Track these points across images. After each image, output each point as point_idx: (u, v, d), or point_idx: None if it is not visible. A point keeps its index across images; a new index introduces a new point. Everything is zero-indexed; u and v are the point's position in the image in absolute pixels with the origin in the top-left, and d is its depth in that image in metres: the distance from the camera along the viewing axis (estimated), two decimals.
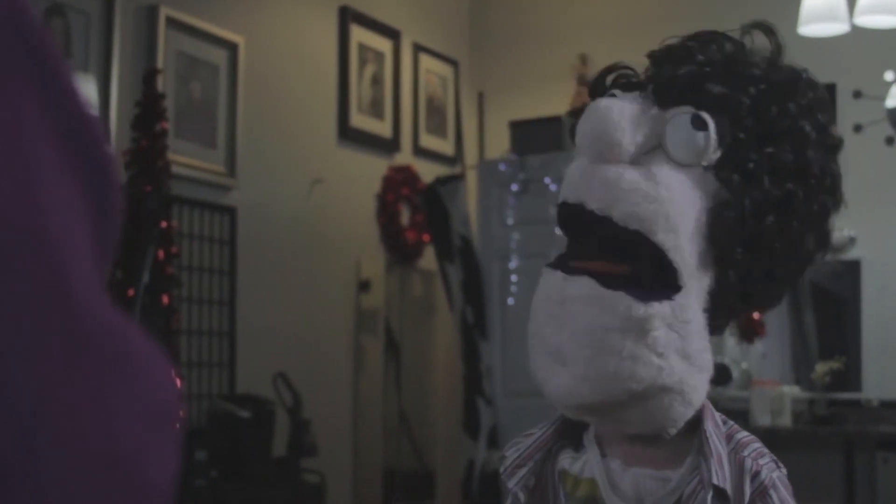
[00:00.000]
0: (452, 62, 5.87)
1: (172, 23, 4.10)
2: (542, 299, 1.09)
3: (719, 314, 1.10)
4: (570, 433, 1.17)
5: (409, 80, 5.51)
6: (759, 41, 1.14)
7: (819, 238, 1.11)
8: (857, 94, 4.45)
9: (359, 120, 5.10)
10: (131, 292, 3.27)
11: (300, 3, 4.85)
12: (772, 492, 1.07)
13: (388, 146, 5.31)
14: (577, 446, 1.16)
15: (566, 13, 5.74)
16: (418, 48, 5.59)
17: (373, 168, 5.18)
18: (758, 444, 1.12)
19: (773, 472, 1.09)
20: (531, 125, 4.89)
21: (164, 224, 3.54)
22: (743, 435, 1.12)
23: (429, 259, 5.23)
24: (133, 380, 0.52)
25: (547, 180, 4.66)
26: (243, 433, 3.81)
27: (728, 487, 1.06)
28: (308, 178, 4.76)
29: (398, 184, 5.25)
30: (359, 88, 5.13)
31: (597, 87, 1.16)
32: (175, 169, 3.79)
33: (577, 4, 5.74)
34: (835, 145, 1.12)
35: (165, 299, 3.54)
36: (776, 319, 5.23)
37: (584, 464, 1.14)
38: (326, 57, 4.98)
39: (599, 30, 5.57)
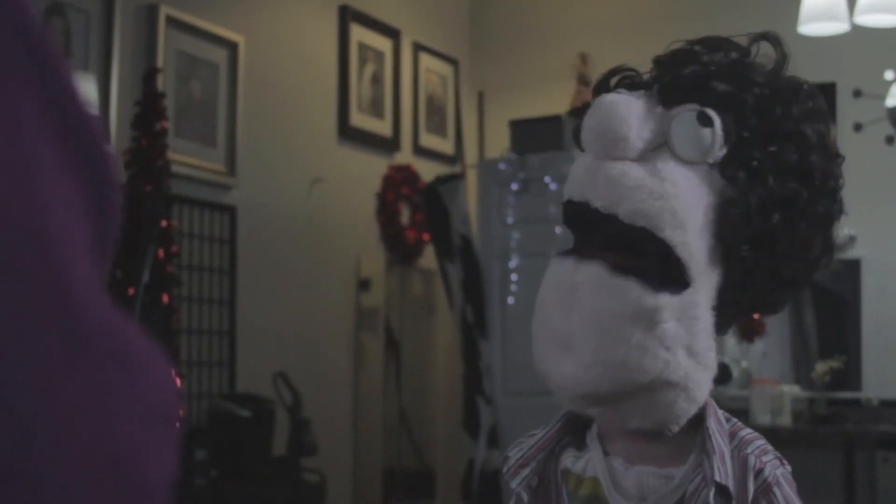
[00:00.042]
0: (452, 61, 5.87)
1: (172, 22, 4.10)
2: (550, 286, 1.09)
3: (726, 313, 1.10)
4: (573, 433, 1.17)
5: (409, 79, 5.51)
6: (765, 51, 1.14)
7: (824, 243, 1.11)
8: (857, 93, 4.45)
9: (359, 119, 5.10)
10: (131, 291, 3.27)
11: (300, 3, 4.85)
12: (775, 489, 1.07)
13: (388, 145, 5.31)
14: (580, 446, 1.16)
15: (566, 12, 5.74)
16: (418, 47, 5.59)
17: (373, 167, 5.18)
18: (761, 442, 1.11)
19: (777, 469, 1.08)
20: (531, 124, 4.89)
21: (164, 223, 3.54)
22: (746, 432, 1.12)
23: (429, 258, 5.23)
24: (133, 379, 0.52)
25: (547, 179, 4.66)
26: (243, 432, 3.81)
27: (730, 484, 1.05)
28: (308, 177, 4.76)
29: (398, 183, 5.25)
30: (359, 87, 5.13)
31: (601, 89, 1.16)
32: (175, 168, 3.80)
33: (578, 4, 5.74)
34: (834, 155, 1.13)
35: (165, 298, 3.54)
36: (776, 319, 5.24)
37: (586, 463, 1.14)
38: (326, 56, 4.98)
39: (600, 29, 5.57)
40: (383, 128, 5.28)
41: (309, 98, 4.85)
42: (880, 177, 4.75)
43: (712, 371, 1.08)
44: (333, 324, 4.85)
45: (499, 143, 5.44)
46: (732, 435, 1.11)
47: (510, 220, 4.78)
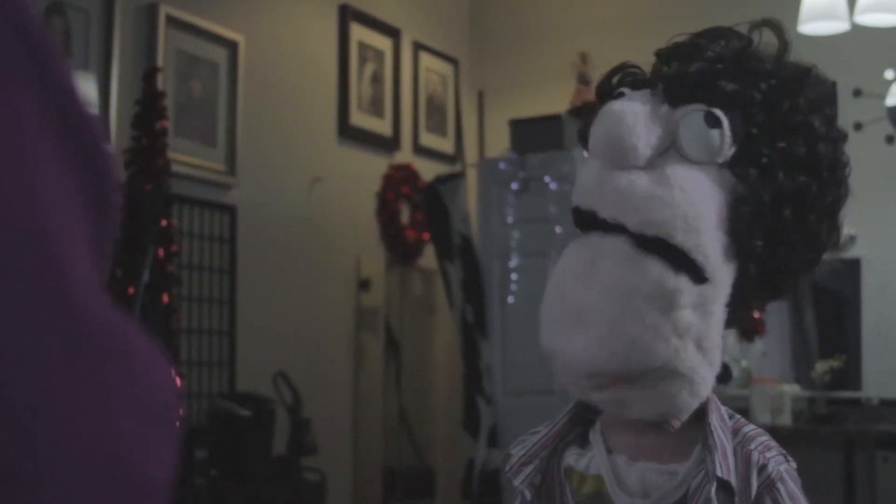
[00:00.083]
0: (452, 60, 5.87)
1: (172, 21, 4.10)
2: (569, 259, 1.09)
3: (739, 307, 1.10)
4: (576, 430, 1.17)
5: (409, 78, 5.51)
6: (766, 38, 1.14)
7: (831, 228, 1.11)
8: (858, 93, 4.45)
9: (359, 118, 5.10)
10: (131, 291, 3.27)
11: (300, 2, 4.85)
12: (779, 485, 1.07)
13: (388, 144, 5.31)
14: (584, 443, 1.16)
15: (566, 12, 5.74)
16: (418, 46, 5.59)
17: (373, 166, 5.18)
18: (765, 438, 1.11)
19: (781, 465, 1.08)
20: (531, 123, 4.89)
21: (164, 222, 3.54)
22: (750, 428, 1.12)
23: (429, 258, 5.23)
24: (132, 379, 0.52)
25: (547, 179, 4.66)
26: (243, 432, 3.81)
27: (732, 479, 1.05)
28: (308, 176, 4.76)
29: (398, 182, 5.25)
30: (359, 87, 5.13)
31: (604, 88, 1.15)
32: (175, 167, 3.80)
33: (578, 3, 5.74)
34: (840, 138, 1.13)
35: (165, 298, 3.54)
36: (776, 318, 5.24)
37: (589, 460, 1.14)
38: (326, 55, 4.98)
39: (600, 28, 5.57)
40: (383, 127, 5.28)
41: (309, 97, 4.85)
42: (880, 176, 4.75)
43: (717, 369, 1.08)
44: (333, 323, 4.85)
45: (499, 142, 5.44)
46: (736, 431, 1.10)
47: (510, 220, 4.78)
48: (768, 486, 1.07)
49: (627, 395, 1.06)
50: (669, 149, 1.07)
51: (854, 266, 5.00)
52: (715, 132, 1.05)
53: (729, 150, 1.06)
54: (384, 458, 5.08)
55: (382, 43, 5.32)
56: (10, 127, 0.50)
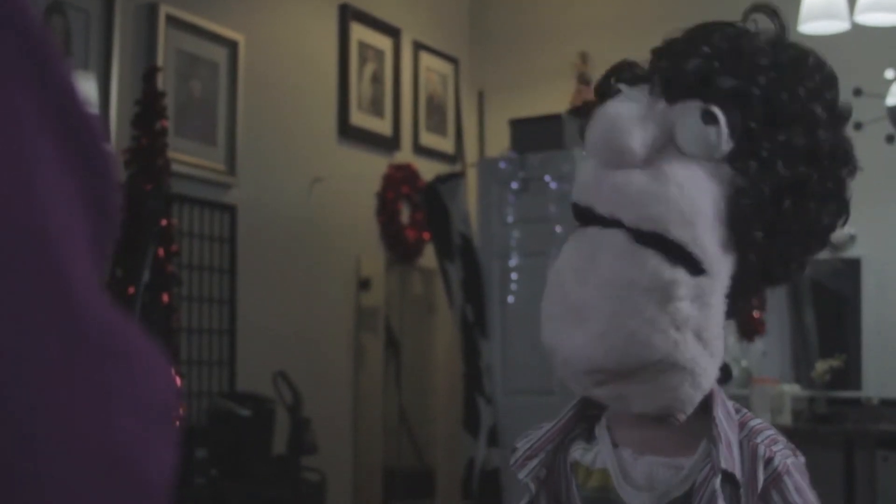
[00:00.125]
0: (453, 60, 5.87)
1: (172, 21, 4.10)
2: (569, 254, 1.09)
3: (739, 297, 1.10)
4: (582, 425, 1.17)
5: (409, 78, 5.51)
6: (763, 25, 1.14)
7: (838, 211, 1.11)
8: (858, 92, 4.45)
9: (359, 118, 5.10)
10: (131, 290, 3.27)
11: (300, 2, 4.85)
12: (786, 478, 1.06)
13: (389, 144, 5.31)
14: (590, 438, 1.16)
15: (566, 11, 5.74)
16: (418, 46, 5.59)
17: (373, 166, 5.18)
18: (771, 431, 1.11)
19: (788, 459, 1.08)
20: (531, 123, 4.89)
21: (164, 222, 3.54)
22: (757, 422, 1.12)
23: (429, 257, 5.23)
24: (132, 378, 0.52)
25: (547, 178, 4.65)
26: (243, 431, 3.81)
27: (737, 472, 1.05)
28: (308, 176, 4.76)
29: (398, 182, 5.25)
30: (359, 86, 5.13)
31: (603, 87, 1.15)
32: (175, 167, 3.79)
33: (578, 3, 5.74)
34: (844, 117, 1.12)
35: (165, 297, 3.54)
36: (776, 318, 5.24)
37: (595, 455, 1.14)
38: (326, 55, 4.98)
39: (600, 28, 5.57)
40: (383, 127, 5.28)
41: (309, 97, 4.85)
42: (880, 176, 4.75)
43: (719, 359, 1.08)
44: (333, 323, 4.85)
45: (499, 142, 5.44)
46: (742, 425, 1.10)
47: (510, 219, 4.77)
48: (775, 479, 1.06)
49: (628, 390, 1.06)
50: (667, 144, 1.07)
51: (854, 266, 5.00)
52: (712, 129, 1.05)
53: (726, 146, 1.06)
54: (384, 457, 5.08)
55: (382, 42, 5.32)
56: (11, 127, 0.50)
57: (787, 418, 4.61)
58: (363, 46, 5.17)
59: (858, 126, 4.48)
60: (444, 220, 4.78)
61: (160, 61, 3.98)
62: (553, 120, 4.82)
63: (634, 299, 1.02)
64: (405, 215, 5.31)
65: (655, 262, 1.02)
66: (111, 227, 0.55)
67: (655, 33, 1.18)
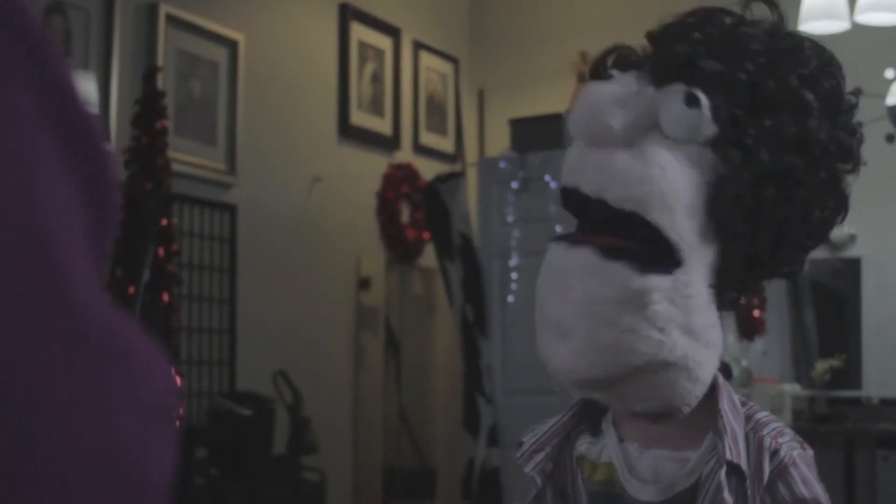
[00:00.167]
0: (453, 60, 5.87)
1: (172, 20, 4.10)
2: (545, 273, 1.10)
3: (727, 288, 1.09)
4: (588, 419, 1.17)
5: (409, 77, 5.51)
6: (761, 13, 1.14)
7: (836, 201, 1.10)
8: (858, 92, 4.45)
9: (359, 117, 5.10)
10: (132, 290, 3.27)
11: (300, 1, 4.85)
12: (792, 469, 1.06)
13: (389, 144, 5.31)
14: (596, 432, 1.16)
15: (566, 11, 5.74)
16: (418, 46, 5.59)
17: (373, 166, 5.18)
18: (778, 424, 1.11)
19: (794, 451, 1.07)
20: (531, 123, 4.89)
21: (164, 222, 3.54)
22: (763, 415, 1.11)
23: (429, 257, 5.23)
24: (132, 378, 0.52)
25: (547, 178, 4.65)
26: (243, 431, 3.81)
27: (743, 464, 1.05)
28: (308, 175, 4.76)
29: (398, 181, 5.25)
30: (359, 86, 5.13)
31: (597, 69, 1.16)
32: (175, 167, 3.79)
33: (578, 3, 5.74)
34: (846, 109, 1.11)
35: (166, 297, 3.54)
36: (776, 317, 5.24)
37: (601, 448, 1.14)
38: (327, 55, 4.98)
39: (600, 28, 5.57)
40: (383, 126, 5.28)
41: (309, 96, 4.85)
42: (881, 176, 4.75)
43: (716, 348, 1.08)
44: (333, 323, 4.86)
45: (499, 141, 5.44)
46: (748, 418, 1.10)
47: (510, 219, 4.78)
48: (781, 470, 1.06)
49: (625, 392, 1.07)
50: (652, 128, 1.07)
51: (854, 265, 5.00)
52: (694, 111, 1.05)
53: (709, 130, 1.06)
54: (384, 457, 5.08)
55: (383, 42, 5.32)
56: (10, 126, 0.50)
57: (787, 418, 4.61)
58: (363, 46, 5.17)
59: (859, 126, 4.49)
60: (445, 219, 4.78)
61: (160, 61, 3.98)
62: (553, 120, 4.82)
63: (608, 313, 1.02)
64: (405, 215, 5.31)
65: (624, 275, 1.02)
66: (110, 227, 0.55)
67: None
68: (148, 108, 3.67)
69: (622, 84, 1.09)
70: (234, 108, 4.37)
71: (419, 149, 5.52)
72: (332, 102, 4.98)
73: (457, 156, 5.74)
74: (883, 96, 4.59)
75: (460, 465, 4.76)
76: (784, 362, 5.24)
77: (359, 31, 5.14)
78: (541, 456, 1.15)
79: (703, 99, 1.05)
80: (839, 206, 1.11)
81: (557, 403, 1.23)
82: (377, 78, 5.26)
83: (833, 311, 5.24)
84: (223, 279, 4.25)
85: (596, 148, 1.07)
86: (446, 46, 5.82)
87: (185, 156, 4.06)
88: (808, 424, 4.66)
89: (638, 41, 1.19)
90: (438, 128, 5.72)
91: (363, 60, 5.17)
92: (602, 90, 1.07)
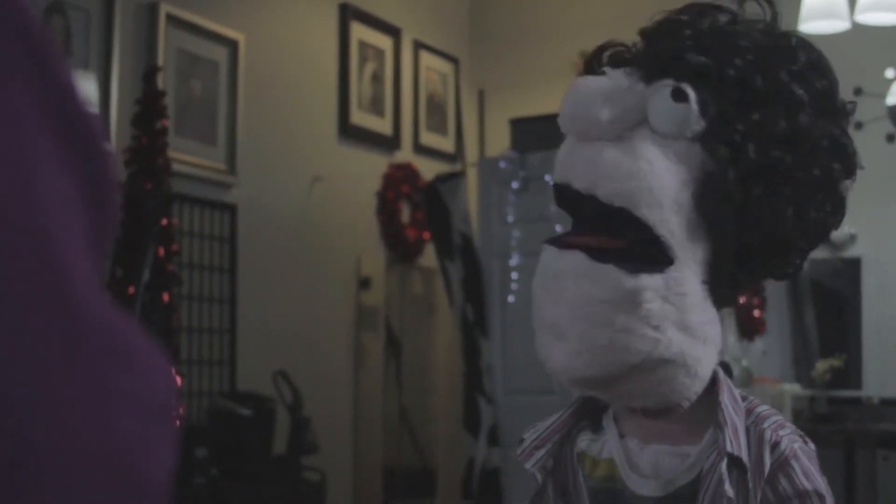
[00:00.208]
0: (453, 59, 5.87)
1: (172, 20, 4.10)
2: (539, 275, 1.11)
3: (720, 285, 1.09)
4: (588, 416, 1.18)
5: (409, 77, 5.51)
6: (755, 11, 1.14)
7: (832, 203, 1.10)
8: (858, 92, 4.45)
9: (359, 117, 5.10)
10: (132, 290, 3.27)
11: (301, 1, 4.85)
12: (793, 462, 1.06)
13: (389, 143, 5.31)
14: (596, 428, 1.17)
15: (567, 11, 5.74)
16: (419, 45, 5.59)
17: (373, 165, 5.18)
18: (779, 417, 1.11)
19: (795, 444, 1.07)
20: (532, 123, 4.89)
21: (164, 221, 3.54)
22: (764, 408, 1.12)
23: (429, 257, 5.23)
24: (132, 378, 0.52)
25: (547, 178, 4.65)
26: (244, 431, 3.81)
27: (744, 456, 1.05)
28: (308, 175, 4.76)
29: (398, 181, 5.25)
30: (359, 86, 5.13)
31: (591, 65, 1.16)
32: (175, 166, 3.79)
33: (578, 3, 5.74)
34: (841, 108, 1.11)
35: (166, 297, 3.54)
36: (777, 317, 5.24)
37: (602, 445, 1.15)
38: (327, 54, 4.98)
39: (600, 28, 5.55)
40: (384, 126, 5.28)
41: (309, 96, 4.85)
42: (881, 175, 4.75)
43: (714, 343, 1.08)
44: (334, 322, 4.85)
45: (499, 141, 5.44)
46: (749, 412, 1.10)
47: (510, 219, 4.78)
48: (782, 463, 1.06)
49: (623, 390, 1.07)
50: (643, 123, 1.07)
51: (854, 265, 5.00)
52: (681, 106, 1.05)
53: (697, 125, 1.06)
54: (384, 457, 5.08)
55: (383, 42, 5.32)
56: (11, 126, 0.50)
57: (787, 418, 4.61)
58: (363, 46, 5.17)
59: (859, 125, 4.49)
60: (445, 219, 4.78)
61: (160, 61, 3.97)
62: (553, 119, 4.75)
63: (602, 314, 1.03)
64: (405, 215, 5.31)
65: (615, 276, 1.03)
66: (110, 227, 0.55)
67: None
68: (148, 107, 3.67)
69: (612, 79, 1.09)
70: (235, 108, 4.37)
71: (419, 149, 5.52)
72: (333, 102, 4.98)
73: (457, 155, 5.74)
74: (883, 96, 4.59)
75: (460, 465, 4.76)
76: (784, 362, 5.24)
77: (359, 31, 5.14)
78: (541, 452, 1.15)
79: (691, 94, 1.05)
80: (836, 208, 1.10)
81: (558, 403, 1.23)
82: (377, 78, 5.26)
83: (833, 310, 5.24)
84: (223, 279, 4.25)
85: (584, 141, 1.07)
86: (446, 46, 5.82)
87: (185, 156, 4.05)
88: (809, 424, 4.66)
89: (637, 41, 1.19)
90: (439, 128, 5.72)
91: (363, 60, 5.17)
92: (590, 84, 1.08)
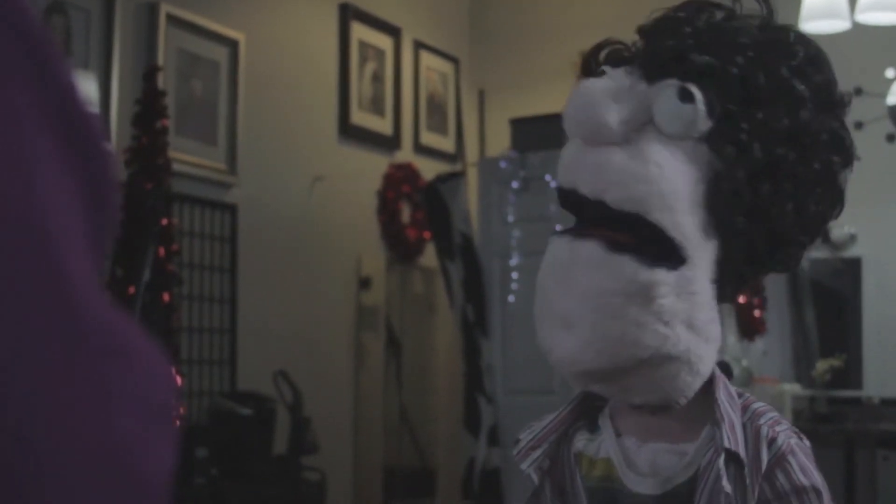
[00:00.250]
0: (453, 59, 5.87)
1: (173, 20, 4.10)
2: (549, 264, 1.09)
3: (728, 282, 1.09)
4: (585, 415, 1.17)
5: (409, 77, 5.51)
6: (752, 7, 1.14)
7: (831, 196, 1.10)
8: (858, 92, 4.45)
9: (359, 117, 5.10)
10: (132, 290, 3.27)
11: (301, 1, 4.85)
12: (790, 457, 1.06)
13: (389, 143, 5.31)
14: (592, 428, 1.17)
15: (566, 11, 5.74)
16: (419, 45, 5.59)
17: (373, 165, 5.18)
18: (774, 414, 1.11)
19: (791, 439, 1.07)
20: (532, 122, 4.89)
21: (164, 221, 3.54)
22: (759, 405, 1.12)
23: (429, 256, 5.23)
24: (131, 378, 0.52)
25: (548, 178, 4.65)
26: (244, 431, 3.81)
27: (741, 452, 1.05)
28: (309, 175, 4.76)
29: (399, 181, 5.25)
30: (359, 86, 5.13)
31: (588, 64, 1.15)
32: (176, 166, 3.79)
33: (578, 3, 5.74)
34: (839, 102, 1.11)
35: (166, 297, 3.54)
36: (777, 317, 5.24)
37: (599, 444, 1.15)
38: (327, 54, 4.98)
39: (600, 28, 5.54)
40: (384, 126, 5.28)
41: (309, 96, 4.85)
42: (881, 175, 4.75)
43: (716, 342, 1.08)
44: (334, 322, 4.85)
45: (499, 141, 5.44)
46: (745, 408, 1.10)
47: (511, 219, 4.78)
48: (779, 459, 1.06)
49: (626, 384, 1.07)
50: (647, 124, 1.07)
51: (855, 265, 5.00)
52: (688, 107, 1.05)
53: (704, 125, 1.05)
54: (385, 457, 5.08)
55: (383, 42, 5.31)
56: (11, 126, 0.50)
57: (787, 418, 4.61)
58: (364, 46, 5.17)
59: (859, 125, 4.49)
60: (445, 219, 4.78)
61: (161, 60, 3.97)
62: (553, 119, 4.78)
63: (615, 306, 1.02)
64: (406, 214, 5.31)
65: (631, 268, 1.02)
66: (110, 227, 0.55)
67: None
68: (148, 107, 3.67)
69: (614, 79, 1.08)
70: (235, 108, 4.37)
71: (420, 148, 5.52)
72: (333, 102, 4.98)
73: (457, 155, 5.74)
74: (883, 96, 4.59)
75: (461, 465, 4.76)
76: (784, 362, 5.24)
77: (359, 31, 5.14)
78: (538, 453, 1.15)
79: (697, 94, 1.05)
80: (835, 200, 1.11)
81: (558, 403, 1.23)
82: (378, 78, 5.26)
83: (833, 310, 5.24)
84: (224, 279, 4.25)
85: (592, 146, 1.06)
86: (447, 46, 5.82)
87: (185, 155, 4.05)
88: (809, 424, 4.66)
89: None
90: (439, 127, 5.72)
91: (363, 60, 5.17)
92: (595, 86, 1.07)
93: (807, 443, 1.10)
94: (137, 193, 3.45)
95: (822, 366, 4.87)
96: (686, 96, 1.05)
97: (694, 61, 1.06)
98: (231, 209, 4.32)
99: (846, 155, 1.10)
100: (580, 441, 1.16)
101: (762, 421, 1.08)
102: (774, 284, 5.11)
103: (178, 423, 0.55)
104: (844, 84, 1.14)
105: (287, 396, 4.00)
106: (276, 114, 4.64)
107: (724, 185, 1.04)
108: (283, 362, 4.19)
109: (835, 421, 4.71)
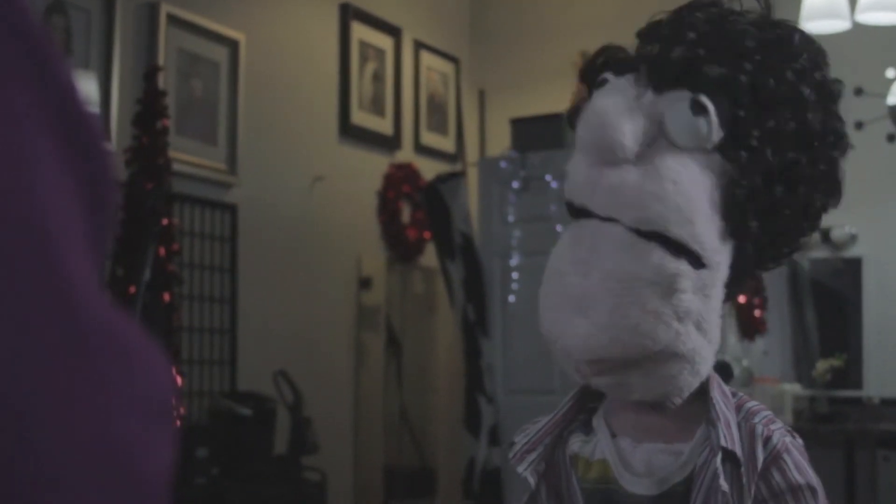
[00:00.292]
0: (453, 59, 5.87)
1: (173, 20, 4.10)
2: (567, 246, 1.09)
3: (734, 283, 1.10)
4: (579, 417, 1.17)
5: (410, 77, 5.51)
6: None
7: (833, 188, 1.11)
8: (859, 92, 4.45)
9: (360, 117, 5.10)
10: (132, 290, 3.27)
11: (301, 1, 4.85)
12: (785, 455, 1.06)
13: (389, 143, 5.31)
14: (587, 430, 1.16)
15: (567, 10, 5.74)
16: (419, 45, 5.59)
17: (374, 165, 5.18)
18: (768, 413, 1.11)
19: (786, 437, 1.08)
20: (532, 122, 4.89)
21: (164, 221, 3.54)
22: (753, 404, 1.12)
23: (430, 256, 5.23)
24: (132, 377, 0.52)
25: (548, 177, 4.65)
26: (244, 431, 3.81)
27: (738, 450, 1.05)
28: (309, 175, 4.76)
29: (399, 181, 5.25)
30: (360, 86, 5.13)
31: (589, 73, 1.15)
32: (176, 166, 3.79)
33: (578, 3, 5.74)
34: (833, 96, 1.11)
35: (166, 296, 3.54)
36: (777, 317, 5.24)
37: (594, 446, 1.15)
38: (327, 54, 4.98)
39: (600, 28, 5.56)
40: (384, 126, 5.28)
41: (310, 96, 4.85)
42: (882, 175, 4.75)
43: (716, 345, 1.09)
44: (334, 322, 4.86)
45: (500, 141, 5.44)
46: (739, 407, 1.11)
47: (511, 219, 4.78)
48: (774, 457, 1.06)
49: (629, 379, 1.07)
50: (657, 137, 1.06)
51: (855, 265, 5.00)
52: (702, 120, 1.05)
53: (717, 136, 1.05)
54: (385, 456, 5.08)
55: (383, 42, 5.32)
56: (10, 126, 0.50)
57: (787, 418, 4.61)
58: (364, 45, 5.17)
59: (860, 125, 4.49)
60: (445, 219, 4.77)
61: (161, 60, 3.98)
62: (554, 119, 4.82)
63: (638, 292, 1.02)
64: (406, 214, 5.31)
65: (659, 256, 1.02)
66: (111, 227, 0.55)
67: None
68: (149, 107, 3.68)
69: (620, 91, 1.07)
70: (235, 108, 4.37)
71: (420, 148, 5.52)
72: (333, 102, 4.99)
73: (457, 155, 5.74)
74: (883, 96, 4.59)
75: (461, 465, 4.76)
76: (785, 362, 5.24)
77: (359, 31, 5.14)
78: (533, 456, 1.15)
79: (710, 106, 1.05)
80: (835, 191, 1.12)
81: (558, 402, 1.23)
82: (378, 77, 5.26)
83: (834, 310, 5.24)
84: (224, 279, 4.26)
85: (606, 167, 1.05)
86: (447, 46, 5.82)
87: (185, 155, 4.06)
88: (809, 424, 4.66)
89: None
90: (439, 127, 5.72)
91: (364, 60, 5.17)
92: (608, 104, 1.05)
93: (800, 441, 1.10)
94: (137, 193, 3.45)
95: (822, 366, 4.87)
96: (699, 109, 1.05)
97: (706, 73, 1.06)
98: (231, 209, 4.32)
99: (842, 144, 1.11)
100: (575, 443, 1.16)
101: (756, 420, 1.09)
102: (774, 284, 5.11)
103: (178, 423, 0.55)
104: (845, 84, 1.14)
105: (287, 396, 4.00)
106: (277, 114, 4.64)
107: (738, 192, 1.05)
108: (284, 362, 4.19)
109: (835, 421, 4.71)
